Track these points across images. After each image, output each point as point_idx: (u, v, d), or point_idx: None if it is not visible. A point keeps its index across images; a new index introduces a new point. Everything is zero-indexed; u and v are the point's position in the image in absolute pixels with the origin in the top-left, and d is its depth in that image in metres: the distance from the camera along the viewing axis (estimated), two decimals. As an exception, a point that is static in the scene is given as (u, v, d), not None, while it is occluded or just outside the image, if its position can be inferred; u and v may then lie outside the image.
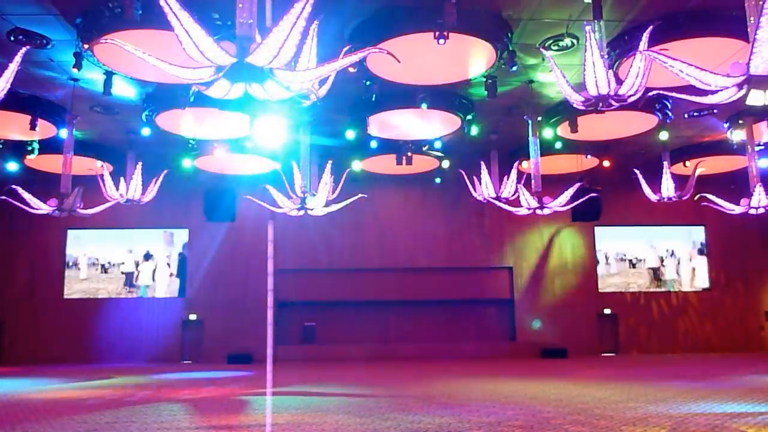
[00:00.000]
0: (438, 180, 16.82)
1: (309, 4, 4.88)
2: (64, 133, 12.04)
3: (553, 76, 7.95)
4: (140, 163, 13.18)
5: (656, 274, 19.19)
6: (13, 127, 12.22)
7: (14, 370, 14.37)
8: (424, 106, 11.19)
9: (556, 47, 10.06)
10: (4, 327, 17.58)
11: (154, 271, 18.48)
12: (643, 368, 13.44)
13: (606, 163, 15.33)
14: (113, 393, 9.79)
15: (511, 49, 9.75)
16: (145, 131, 12.58)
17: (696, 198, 13.47)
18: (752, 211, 12.17)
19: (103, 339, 17.52)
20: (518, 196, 12.74)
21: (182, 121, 12.29)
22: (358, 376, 12.45)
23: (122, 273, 18.39)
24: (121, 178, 13.38)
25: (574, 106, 8.06)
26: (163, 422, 6.69)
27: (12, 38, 9.30)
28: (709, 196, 12.85)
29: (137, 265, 18.47)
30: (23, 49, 7.31)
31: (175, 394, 9.53)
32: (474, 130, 13.00)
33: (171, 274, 18.45)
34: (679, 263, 19.31)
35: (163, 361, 17.23)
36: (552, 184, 13.47)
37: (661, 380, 10.70)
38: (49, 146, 13.10)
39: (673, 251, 19.35)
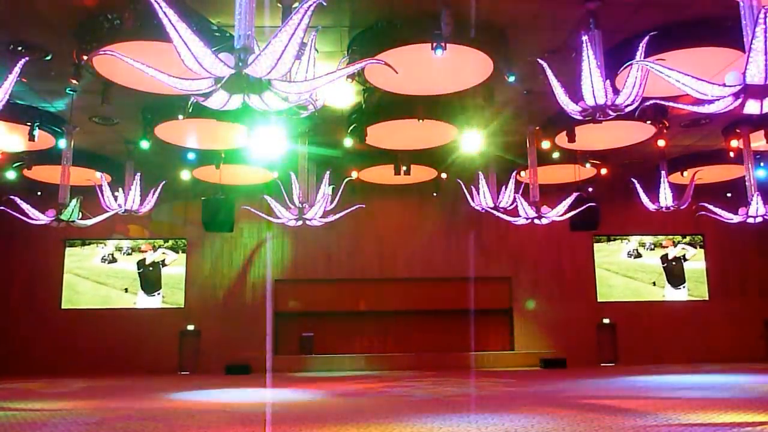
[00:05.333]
0: (435, 193, 16.87)
1: (307, 15, 4.90)
2: (62, 143, 12.05)
3: (550, 86, 7.98)
4: (139, 174, 13.19)
5: (654, 283, 19.20)
6: (12, 137, 12.23)
7: (10, 382, 14.30)
8: (420, 120, 11.29)
9: (553, 57, 10.08)
10: (1, 338, 17.51)
11: (151, 280, 18.46)
12: (641, 378, 13.41)
13: (603, 171, 15.37)
14: (109, 404, 9.74)
15: (508, 59, 9.78)
16: (144, 144, 12.59)
17: (694, 207, 13.50)
18: (750, 220, 12.19)
19: (100, 350, 17.45)
20: (516, 206, 12.76)
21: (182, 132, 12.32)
22: (357, 386, 12.41)
23: (119, 282, 18.36)
24: (120, 189, 13.39)
25: (572, 116, 8.09)
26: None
27: (11, 49, 9.33)
28: (708, 206, 12.87)
29: (137, 273, 18.45)
30: (22, 60, 7.33)
31: (172, 405, 9.49)
32: (472, 139, 13.04)
33: (168, 285, 18.41)
34: (677, 272, 19.32)
35: (161, 372, 17.16)
36: (550, 194, 13.49)
37: (660, 390, 10.68)
38: (48, 157, 13.12)
39: (670, 260, 19.37)
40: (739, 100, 5.87)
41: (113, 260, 18.46)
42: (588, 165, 14.81)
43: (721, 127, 13.35)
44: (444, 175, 15.67)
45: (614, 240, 19.29)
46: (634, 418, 7.32)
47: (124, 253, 18.46)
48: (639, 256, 19.34)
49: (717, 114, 6.35)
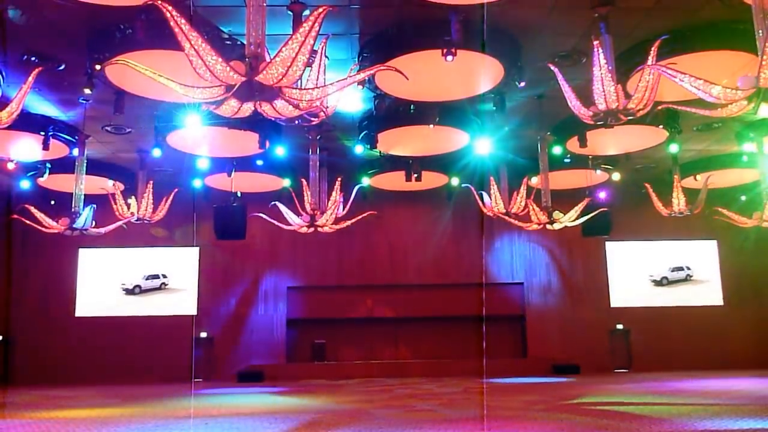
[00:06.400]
0: (448, 199, 16.84)
1: (318, 23, 4.92)
2: (76, 152, 12.16)
3: (562, 91, 7.97)
4: (151, 182, 13.28)
5: (667, 287, 19.06)
6: (26, 147, 12.34)
7: (25, 390, 14.38)
8: (431, 126, 11.28)
9: (564, 62, 10.07)
10: (16, 346, 17.63)
11: (164, 289, 18.53)
12: (655, 384, 13.30)
13: (615, 176, 15.29)
14: (123, 412, 9.78)
15: (519, 64, 9.78)
16: (156, 152, 12.68)
17: (708, 212, 13.40)
18: (765, 224, 12.09)
19: (114, 358, 17.51)
20: (528, 212, 12.72)
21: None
22: (368, 393, 12.39)
23: (133, 291, 18.44)
24: (132, 197, 13.49)
25: (583, 120, 8.07)
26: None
27: (25, 59, 9.43)
28: (722, 210, 12.78)
29: (150, 282, 18.53)
30: (36, 70, 7.41)
31: (185, 413, 9.50)
32: (483, 145, 13.05)
33: (181, 292, 18.48)
34: (691, 278, 19.17)
35: (174, 379, 17.18)
36: (562, 199, 13.44)
37: (675, 396, 10.58)
38: (62, 166, 13.23)
39: (685, 266, 19.23)
40: (753, 104, 5.84)
41: (135, 266, 18.59)
42: (598, 172, 14.74)
43: (735, 130, 13.26)
44: (455, 181, 15.65)
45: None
46: (650, 425, 7.25)
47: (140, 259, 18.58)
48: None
49: (730, 117, 6.32)
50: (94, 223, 12.04)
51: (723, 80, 5.96)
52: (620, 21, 8.75)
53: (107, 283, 18.36)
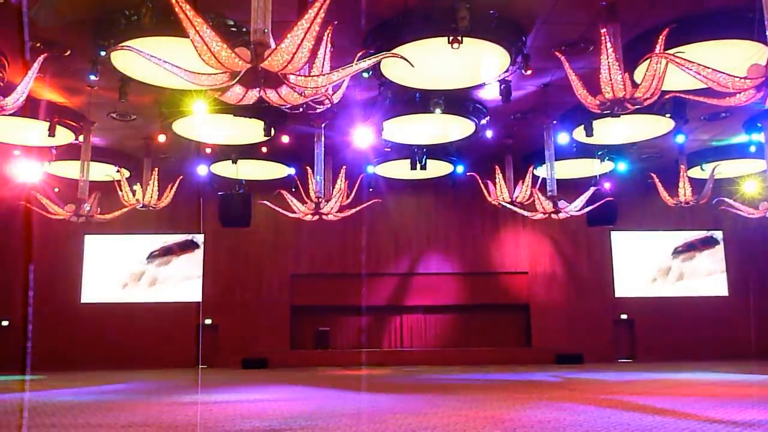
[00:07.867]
0: (454, 187, 16.78)
1: (323, 10, 4.90)
2: (81, 139, 12.16)
3: (569, 80, 7.92)
4: (156, 169, 13.29)
5: (672, 278, 19.02)
6: (32, 133, 12.35)
7: (31, 376, 14.48)
8: (438, 111, 11.19)
9: (571, 50, 10.01)
10: (21, 333, 17.71)
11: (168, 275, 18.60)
12: (659, 374, 13.31)
13: (622, 167, 15.23)
14: (128, 398, 9.84)
15: (525, 52, 9.72)
16: (161, 139, 12.65)
17: (714, 202, 13.35)
18: (771, 215, 12.04)
19: (119, 344, 17.59)
20: (533, 201, 12.69)
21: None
22: (372, 382, 12.43)
23: (138, 278, 18.51)
24: (138, 184, 13.51)
25: (590, 109, 8.03)
26: (178, 427, 6.71)
27: (30, 45, 9.40)
28: (728, 200, 12.74)
29: (155, 269, 18.59)
30: (41, 57, 7.39)
31: (190, 399, 9.56)
32: (488, 134, 13.01)
33: (186, 279, 18.54)
34: (696, 268, 19.13)
35: (179, 366, 17.29)
36: (567, 188, 13.39)
37: (678, 386, 10.59)
38: (67, 153, 13.25)
39: (690, 256, 19.17)
40: (761, 93, 5.80)
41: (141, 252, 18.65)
42: (604, 162, 14.66)
43: (742, 120, 13.18)
44: (460, 170, 15.62)
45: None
46: (653, 414, 7.26)
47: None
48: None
49: (737, 107, 6.28)
50: (99, 209, 12.08)
51: (731, 69, 5.92)
52: (628, 9, 8.69)
53: (113, 270, 18.45)
